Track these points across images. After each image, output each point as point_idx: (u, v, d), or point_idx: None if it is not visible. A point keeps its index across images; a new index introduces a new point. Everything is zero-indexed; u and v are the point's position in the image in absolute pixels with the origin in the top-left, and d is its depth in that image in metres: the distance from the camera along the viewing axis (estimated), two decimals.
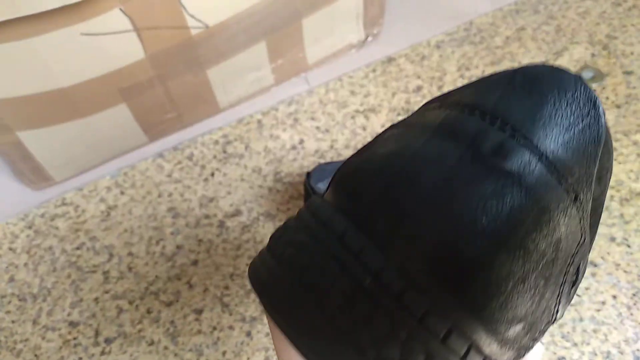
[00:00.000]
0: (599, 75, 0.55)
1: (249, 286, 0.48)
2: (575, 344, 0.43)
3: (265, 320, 0.46)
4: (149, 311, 0.48)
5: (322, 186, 0.49)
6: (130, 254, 0.51)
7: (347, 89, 0.59)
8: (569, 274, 0.18)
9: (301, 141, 0.56)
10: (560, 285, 0.18)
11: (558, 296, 0.18)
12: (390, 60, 0.60)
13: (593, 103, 0.18)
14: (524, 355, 0.19)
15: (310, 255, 0.17)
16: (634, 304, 0.44)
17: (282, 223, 0.51)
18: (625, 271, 0.46)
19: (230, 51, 0.52)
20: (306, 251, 0.17)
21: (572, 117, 0.17)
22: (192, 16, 0.47)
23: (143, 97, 0.51)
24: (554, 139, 0.16)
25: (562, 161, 0.16)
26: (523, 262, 0.16)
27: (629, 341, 0.43)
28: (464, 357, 0.16)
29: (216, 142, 0.57)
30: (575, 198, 0.17)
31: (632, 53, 0.56)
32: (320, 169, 0.48)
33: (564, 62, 0.57)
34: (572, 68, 0.56)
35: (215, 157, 0.56)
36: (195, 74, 0.52)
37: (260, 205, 0.52)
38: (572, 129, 0.17)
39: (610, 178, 0.20)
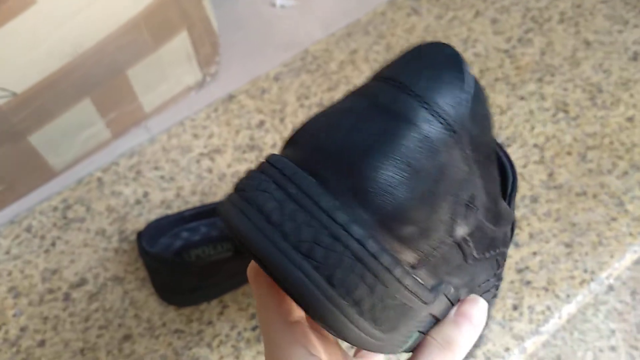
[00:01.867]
0: None
1: (102, 358, 0.46)
2: None
3: None
4: None
5: (163, 242, 0.48)
6: None
7: (190, 132, 0.57)
8: (460, 197, 0.23)
9: (145, 194, 0.54)
10: (453, 205, 0.23)
11: (452, 215, 0.23)
12: (231, 97, 0.59)
13: (461, 64, 0.24)
14: (427, 261, 0.24)
15: (274, 197, 0.22)
16: None
17: (130, 285, 0.48)
18: None
19: (50, 114, 0.49)
20: (271, 194, 0.23)
21: (447, 76, 0.23)
22: None
23: None
24: (435, 90, 0.23)
25: (441, 106, 0.22)
26: (410, 175, 0.22)
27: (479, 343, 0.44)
28: (363, 245, 0.22)
29: (55, 209, 0.53)
30: (454, 133, 0.23)
31: None
32: (154, 226, 0.47)
33: None
34: None
35: (55, 224, 0.52)
36: (15, 142, 0.49)
37: (107, 269, 0.50)
38: (448, 83, 0.23)
39: (490, 124, 0.25)
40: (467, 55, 0.60)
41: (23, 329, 0.48)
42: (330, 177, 0.22)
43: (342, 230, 0.22)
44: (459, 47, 0.60)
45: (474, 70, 0.58)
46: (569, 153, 0.53)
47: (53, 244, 0.51)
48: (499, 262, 0.31)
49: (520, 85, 0.57)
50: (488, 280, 0.30)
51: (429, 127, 0.22)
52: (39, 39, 0.44)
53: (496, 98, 0.57)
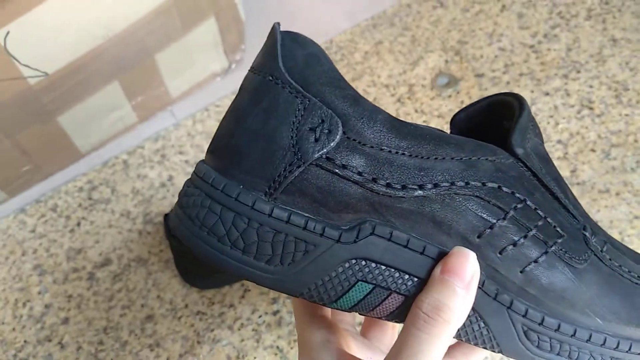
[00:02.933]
0: (453, 81, 0.58)
1: (124, 338, 0.47)
2: None
3: None
4: None
5: None
6: None
7: (214, 118, 0.58)
8: (302, 124, 0.26)
9: (170, 177, 0.54)
10: (292, 125, 0.26)
11: (293, 135, 0.26)
12: None
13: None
14: (285, 188, 0.26)
15: (200, 201, 0.26)
16: None
17: (154, 267, 0.49)
18: None
19: (79, 95, 0.50)
20: (197, 198, 0.26)
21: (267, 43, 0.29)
22: (26, 66, 0.44)
23: None
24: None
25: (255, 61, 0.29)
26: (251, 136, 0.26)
27: None
28: (226, 193, 0.26)
29: (81, 189, 0.54)
30: (272, 76, 0.27)
31: (481, 56, 0.59)
32: None
33: (420, 70, 0.59)
34: (428, 76, 0.58)
35: (80, 205, 0.53)
36: (44, 123, 0.50)
37: (131, 250, 0.50)
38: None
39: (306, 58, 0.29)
40: (492, 50, 0.59)
41: (47, 306, 0.49)
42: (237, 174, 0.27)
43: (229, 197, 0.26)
44: (484, 41, 0.60)
45: (498, 64, 0.58)
46: (592, 150, 0.53)
47: (78, 224, 0.52)
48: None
49: (545, 80, 0.57)
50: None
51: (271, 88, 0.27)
52: (71, 21, 0.45)
53: (520, 93, 0.56)
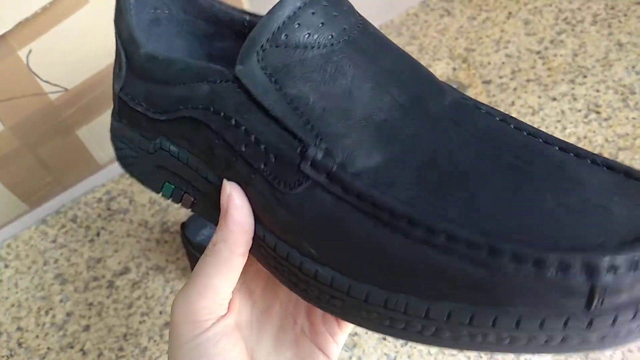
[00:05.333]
0: (461, 87, 0.59)
1: (144, 344, 0.48)
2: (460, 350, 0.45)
3: None
4: None
5: (206, 233, 0.50)
6: (19, 328, 0.50)
7: None
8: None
9: None
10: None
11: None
12: None
13: None
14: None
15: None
16: None
17: (171, 274, 0.50)
18: None
19: (97, 109, 0.51)
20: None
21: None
22: (47, 82, 0.46)
23: (13, 167, 0.50)
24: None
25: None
26: None
27: None
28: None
29: (99, 200, 0.56)
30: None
31: (489, 63, 0.60)
32: (197, 217, 0.48)
33: None
34: None
35: (99, 215, 0.55)
36: (64, 136, 0.51)
37: (149, 259, 0.52)
38: None
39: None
40: (499, 56, 0.60)
41: (69, 314, 0.50)
42: None
43: None
44: (491, 48, 0.61)
45: (506, 70, 0.59)
46: (600, 154, 0.53)
47: (97, 234, 0.54)
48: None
49: (552, 86, 0.58)
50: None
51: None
52: (90, 38, 0.46)
53: (528, 98, 0.57)
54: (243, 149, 0.24)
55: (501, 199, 0.20)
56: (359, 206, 0.21)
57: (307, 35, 0.24)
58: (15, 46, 0.43)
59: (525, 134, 0.24)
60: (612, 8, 0.62)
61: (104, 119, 0.53)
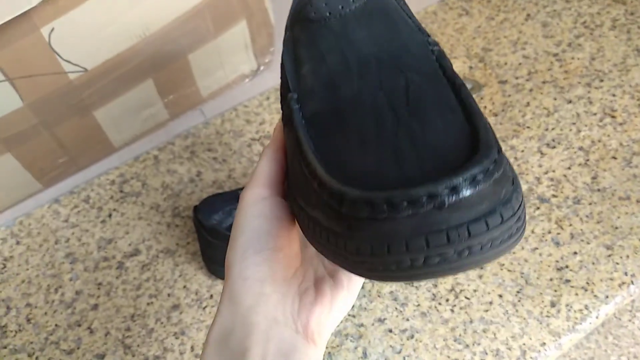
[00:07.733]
0: (477, 87, 0.59)
1: (150, 325, 0.48)
2: (467, 345, 0.45)
3: None
4: None
5: (217, 217, 0.50)
6: (28, 304, 0.50)
7: (243, 118, 0.60)
8: None
9: (199, 173, 0.56)
10: None
11: None
12: None
13: None
14: None
15: None
16: (519, 301, 0.47)
17: (180, 258, 0.51)
18: (509, 270, 0.48)
19: (115, 91, 0.52)
20: None
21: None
22: (67, 61, 0.46)
23: (29, 145, 0.51)
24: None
25: None
26: None
27: (516, 337, 0.45)
28: None
29: (112, 182, 0.56)
30: None
31: (505, 63, 0.60)
32: (210, 202, 0.49)
33: None
34: None
35: (112, 197, 0.55)
36: (81, 116, 0.52)
37: (159, 242, 0.52)
38: None
39: None
40: (517, 57, 0.60)
41: (78, 293, 0.51)
42: None
43: None
44: (508, 49, 0.61)
45: (522, 71, 0.59)
46: (614, 157, 0.53)
47: (109, 215, 0.54)
48: None
49: (569, 88, 0.58)
50: None
51: None
52: (111, 20, 0.47)
53: (543, 100, 0.57)
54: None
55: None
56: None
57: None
58: (38, 24, 0.44)
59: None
60: (632, 14, 0.62)
61: (122, 101, 0.53)
